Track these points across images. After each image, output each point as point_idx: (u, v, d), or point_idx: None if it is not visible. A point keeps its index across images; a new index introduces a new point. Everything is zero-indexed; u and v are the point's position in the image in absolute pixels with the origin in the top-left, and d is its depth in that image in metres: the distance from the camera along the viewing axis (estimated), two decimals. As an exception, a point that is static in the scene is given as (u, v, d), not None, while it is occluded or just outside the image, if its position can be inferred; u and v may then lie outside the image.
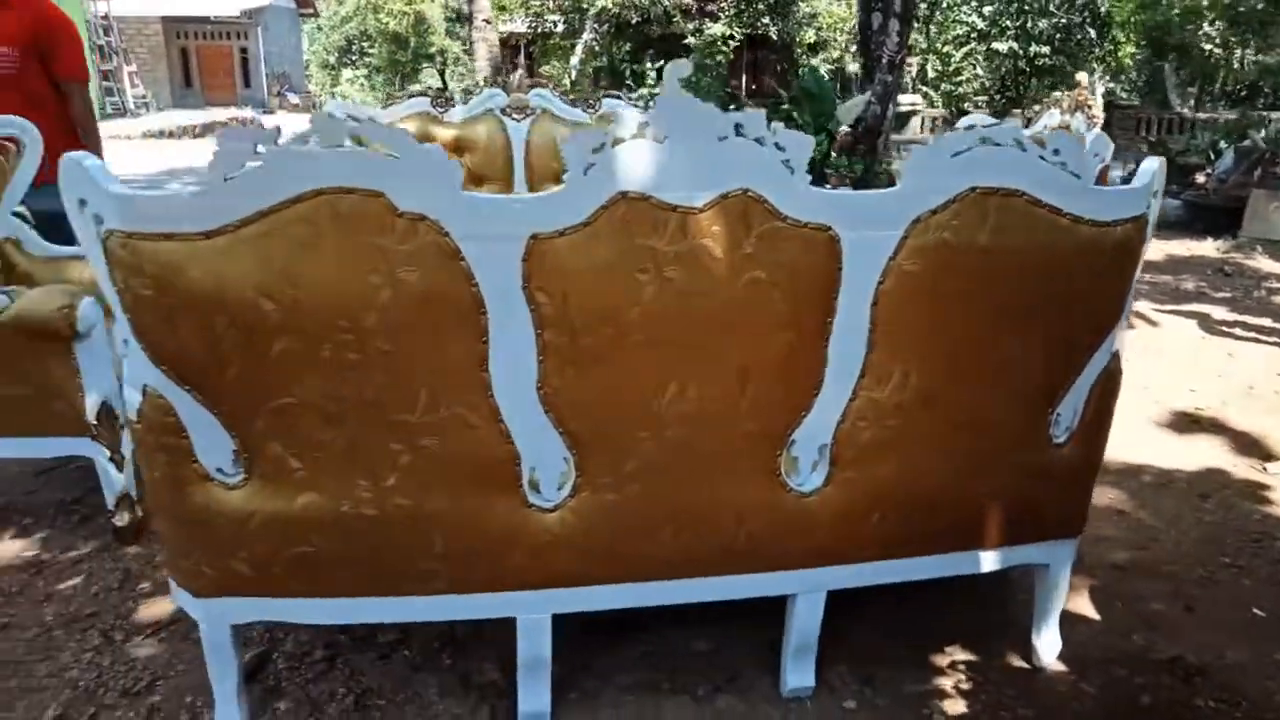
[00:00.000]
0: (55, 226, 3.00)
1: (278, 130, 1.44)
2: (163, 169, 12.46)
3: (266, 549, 1.59)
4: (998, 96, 19.77)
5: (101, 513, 2.57)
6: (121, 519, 2.42)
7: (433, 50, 27.99)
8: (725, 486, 1.69)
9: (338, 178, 1.40)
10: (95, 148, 3.26)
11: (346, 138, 1.43)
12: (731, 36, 16.40)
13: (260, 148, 1.41)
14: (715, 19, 16.47)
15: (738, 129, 1.49)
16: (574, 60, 17.34)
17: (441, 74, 30.32)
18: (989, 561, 1.89)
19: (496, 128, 4.09)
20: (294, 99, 28.94)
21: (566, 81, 17.38)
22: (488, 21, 9.10)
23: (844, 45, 19.06)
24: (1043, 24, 18.27)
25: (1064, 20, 18.08)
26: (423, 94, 4.13)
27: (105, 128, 16.60)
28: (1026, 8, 18.02)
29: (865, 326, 1.62)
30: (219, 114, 21.06)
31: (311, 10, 31.46)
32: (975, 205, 1.58)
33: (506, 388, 1.54)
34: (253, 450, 1.54)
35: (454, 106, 4.12)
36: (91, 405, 2.32)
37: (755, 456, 1.68)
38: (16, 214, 2.89)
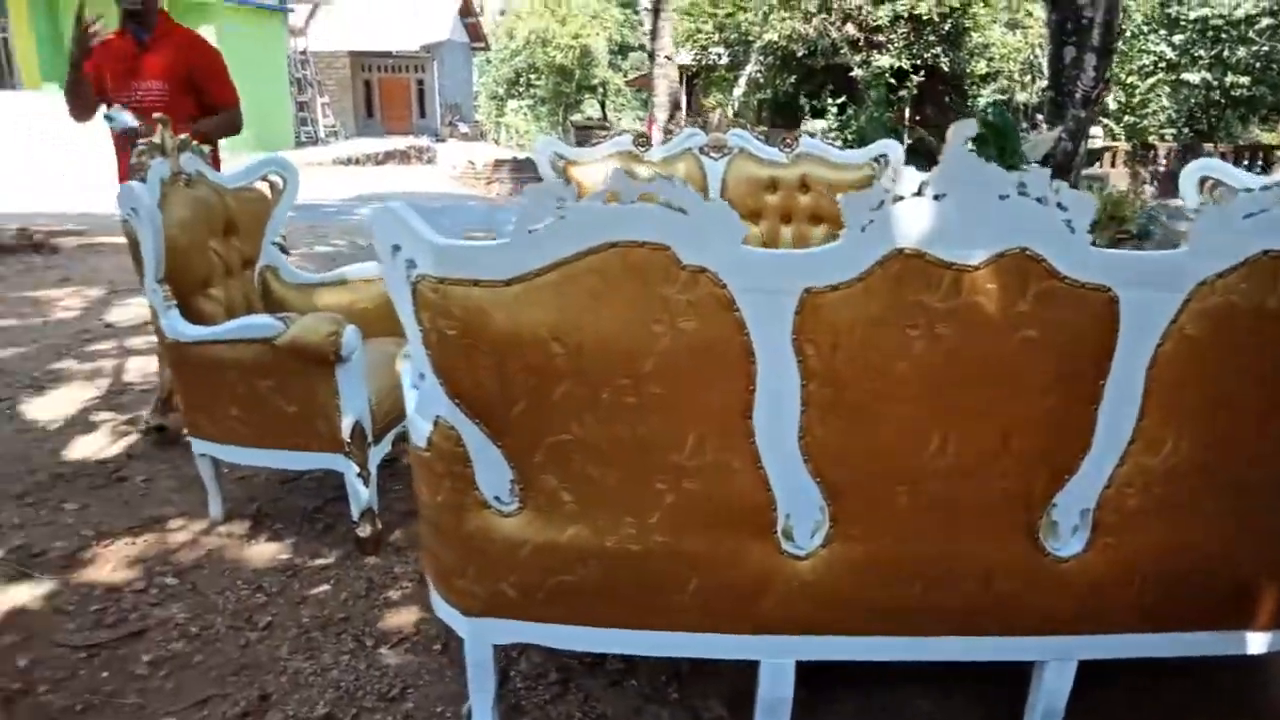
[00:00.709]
0: None
1: (573, 187, 1.54)
2: (353, 194, 13.38)
3: (534, 575, 1.69)
4: (1185, 129, 18.57)
5: (340, 522, 2.79)
6: (364, 530, 2.62)
7: (595, 82, 28.96)
8: (979, 545, 1.67)
9: (630, 232, 1.49)
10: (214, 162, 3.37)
11: (638, 195, 1.51)
12: (901, 68, 16.12)
13: (561, 203, 1.52)
14: (883, 50, 16.25)
15: (1020, 188, 1.48)
16: (736, 92, 17.50)
17: (602, 104, 31.32)
18: (1258, 643, 1.78)
19: (694, 166, 4.19)
20: (463, 128, 30.54)
21: (729, 112, 17.55)
22: (669, 58, 9.33)
23: (1015, 76, 18.40)
24: (1241, 52, 17.07)
25: (1267, 48, 16.83)
26: (624, 132, 4.29)
27: (299, 155, 17.94)
28: (1224, 35, 16.88)
29: (1139, 390, 1.57)
30: (397, 142, 22.43)
31: (483, 44, 33.18)
32: (1266, 269, 1.52)
33: (769, 435, 1.58)
34: (529, 482, 1.64)
35: (653, 145, 4.26)
36: (347, 424, 2.53)
37: (1013, 517, 1.65)
38: (274, 244, 3.19)
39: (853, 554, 1.66)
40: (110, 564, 2.59)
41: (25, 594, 2.43)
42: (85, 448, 3.41)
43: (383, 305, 3.18)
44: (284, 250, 3.22)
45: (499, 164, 15.70)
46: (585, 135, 15.71)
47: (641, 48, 31.53)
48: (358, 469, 2.57)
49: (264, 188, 3.16)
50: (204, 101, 3.43)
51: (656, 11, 9.07)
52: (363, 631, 2.26)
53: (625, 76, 30.68)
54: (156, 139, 2.75)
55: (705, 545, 1.65)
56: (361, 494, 2.59)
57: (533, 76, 28.59)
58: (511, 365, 1.55)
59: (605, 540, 1.65)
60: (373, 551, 2.64)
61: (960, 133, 1.48)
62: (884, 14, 15.98)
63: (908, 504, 1.63)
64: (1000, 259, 1.49)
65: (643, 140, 4.26)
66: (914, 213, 1.48)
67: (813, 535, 1.66)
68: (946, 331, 1.51)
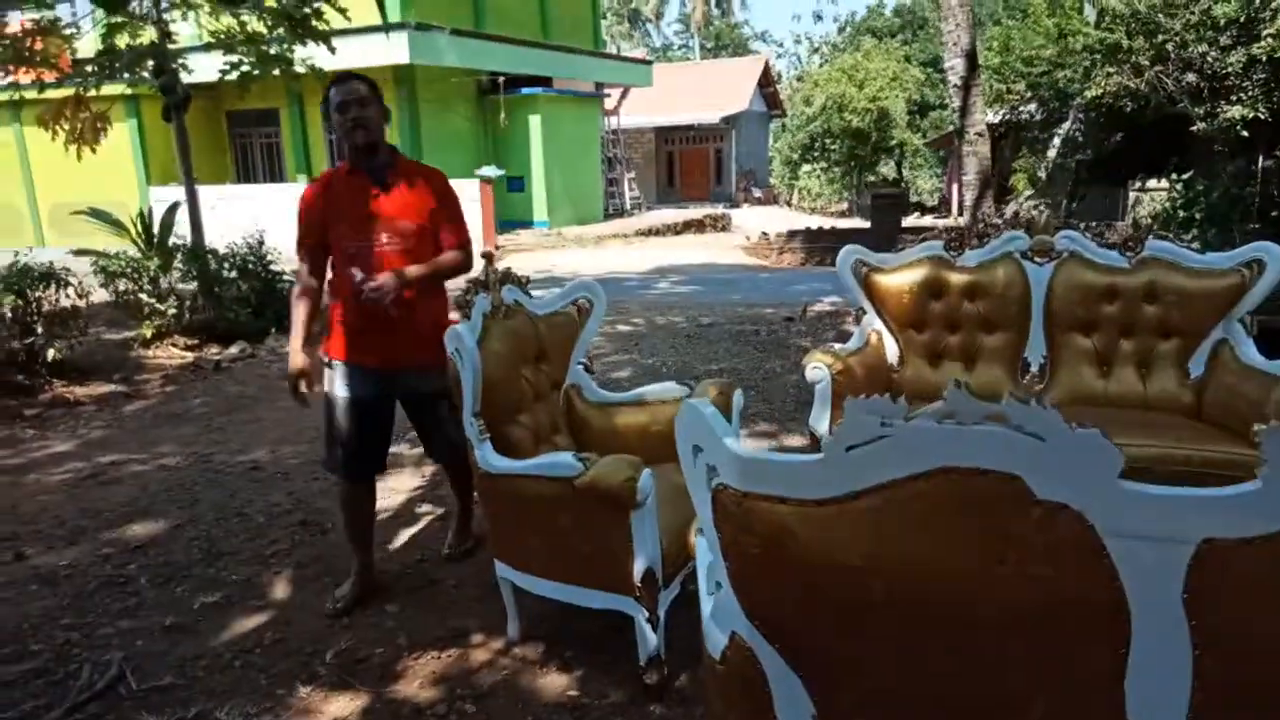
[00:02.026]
0: (419, 407, 3.21)
1: (905, 403, 1.35)
2: (652, 267, 13.96)
3: (836, 825, 1.48)
4: None
5: (622, 661, 2.71)
6: (651, 678, 2.54)
7: (892, 144, 28.27)
8: None
9: (971, 457, 1.26)
10: (443, 309, 3.14)
11: (982, 417, 1.29)
12: (1257, 118, 14.04)
13: (889, 420, 1.33)
14: (1232, 99, 14.25)
15: None
16: (1051, 153, 16.18)
17: (898, 165, 30.52)
18: None
19: (1015, 272, 3.79)
20: (757, 193, 31.12)
21: (1041, 175, 16.27)
22: (980, 135, 8.77)
23: None
24: None
25: None
26: (936, 236, 3.99)
27: (605, 227, 19.04)
28: None
29: None
30: (694, 211, 23.25)
31: (780, 111, 33.76)
32: None
33: (1146, 712, 1.27)
34: (835, 721, 1.45)
35: (967, 250, 3.91)
36: (638, 569, 2.48)
37: None
38: (580, 364, 3.28)
39: None
40: (418, 680, 2.72)
41: (345, 705, 2.60)
42: (408, 544, 3.69)
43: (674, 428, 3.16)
44: (588, 370, 3.30)
45: (792, 235, 15.68)
46: (883, 200, 15.27)
47: (942, 106, 30.43)
48: (646, 614, 2.50)
49: (572, 311, 3.26)
50: (440, 240, 3.07)
51: (967, 88, 8.56)
52: (646, 801, 2.15)
53: (924, 137, 29.69)
54: (480, 274, 2.93)
55: (1052, 830, 1.35)
56: (650, 640, 2.51)
57: (828, 141, 28.51)
58: (819, 595, 1.38)
59: (924, 804, 1.41)
60: (658, 699, 2.54)
61: None
62: (1236, 60, 14.05)
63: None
64: None
65: (957, 242, 3.93)
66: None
67: (1202, 840, 1.31)
68: None
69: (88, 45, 8.32)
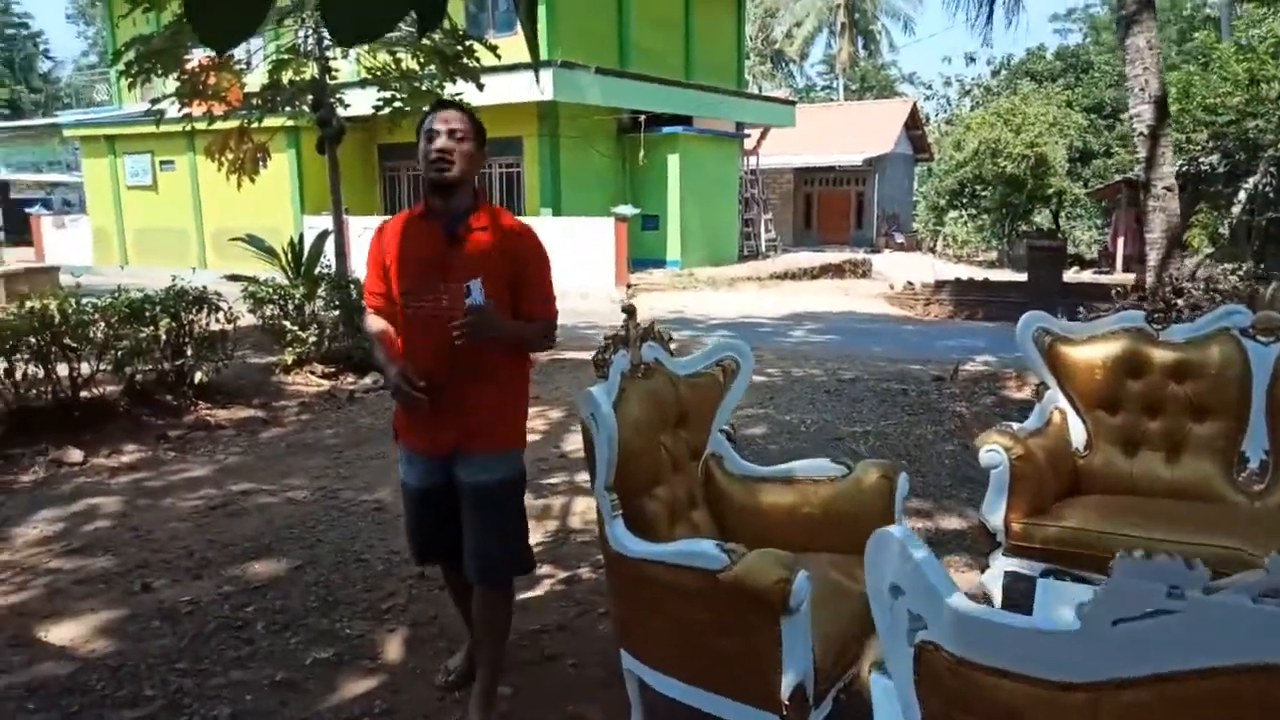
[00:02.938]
0: (477, 501, 2.55)
1: (1204, 570, 0.98)
2: (787, 312, 13.53)
3: None
4: None
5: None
6: (795, 815, 2.17)
7: (1049, 192, 26.83)
8: None
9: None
10: (523, 386, 2.69)
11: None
12: None
13: (1181, 591, 0.96)
14: None
15: None
16: (1235, 209, 14.82)
17: (1055, 215, 28.90)
18: None
19: (1233, 351, 3.25)
20: (899, 238, 30.13)
21: (1224, 231, 14.92)
22: (1169, 189, 7.97)
23: None
24: None
25: None
26: (1136, 305, 3.49)
27: (739, 269, 18.74)
28: None
29: None
30: (832, 256, 22.64)
31: (927, 154, 32.70)
32: None
33: None
34: None
35: (1173, 323, 3.40)
36: (786, 683, 2.13)
37: None
38: (724, 431, 2.97)
39: None
40: (529, 779, 2.44)
41: (449, 802, 2.35)
42: (525, 611, 3.44)
43: (831, 513, 2.80)
44: (731, 439, 2.98)
45: (940, 285, 14.90)
46: (1041, 253, 14.30)
47: (1107, 153, 28.68)
48: (795, 739, 2.14)
49: (716, 372, 2.96)
50: (518, 308, 2.54)
51: (1155, 137, 7.79)
52: None
53: (1085, 186, 28.06)
54: (620, 329, 2.68)
55: None
56: (797, 770, 2.15)
57: (978, 187, 27.31)
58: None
59: None
60: (803, 841, 2.17)
61: None
62: None
63: None
64: None
65: (1161, 314, 3.42)
66: None
67: None
68: None
69: (256, 80, 8.71)
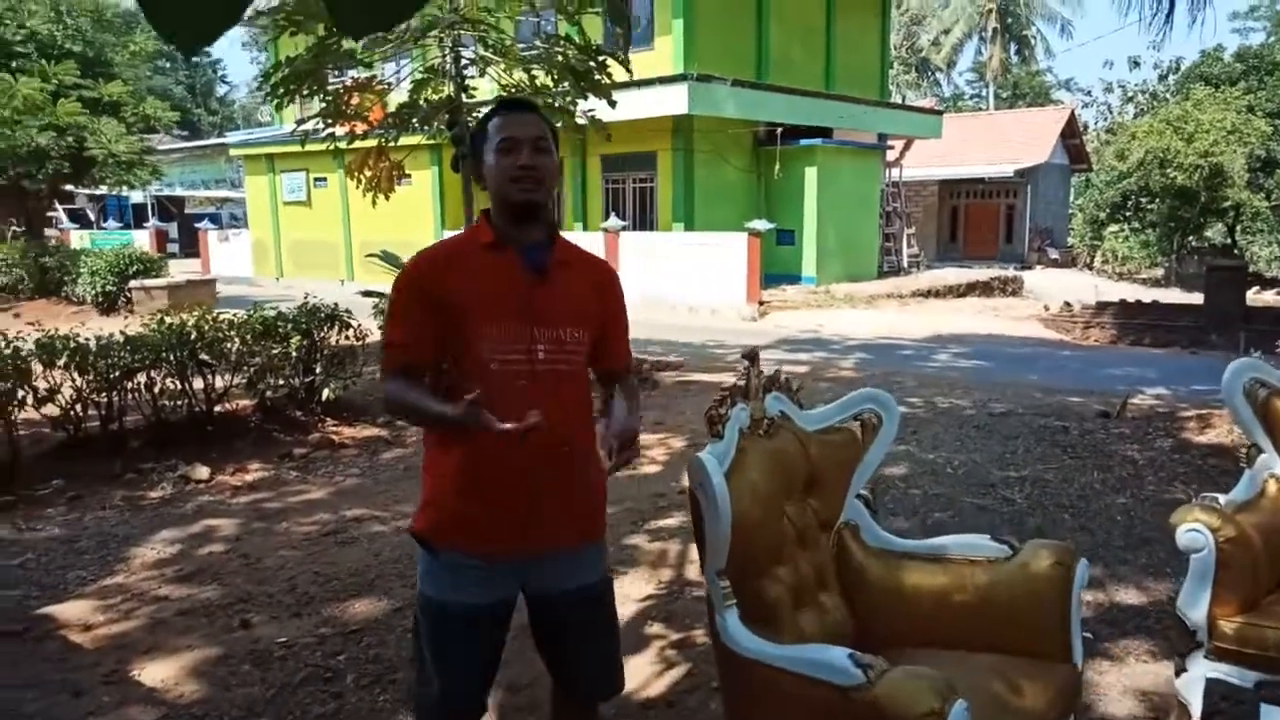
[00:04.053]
0: (587, 610, 2.07)
1: None
2: (930, 333, 12.74)
3: None
4: None
5: None
6: None
7: (1226, 205, 24.55)
8: None
9: None
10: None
11: None
12: None
13: None
14: None
15: None
16: None
17: (1230, 230, 26.43)
18: None
19: None
20: (1053, 253, 28.30)
21: None
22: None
23: None
24: None
25: None
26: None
27: (878, 285, 17.90)
28: None
29: None
30: (980, 272, 21.40)
31: (1085, 165, 30.64)
32: None
33: None
34: None
35: None
36: (934, 840, 1.70)
37: None
38: (861, 496, 2.55)
39: None
40: None
41: None
42: (632, 672, 3.10)
43: (991, 604, 2.33)
44: (870, 506, 2.56)
45: (1102, 308, 13.70)
46: (1221, 273, 12.93)
47: (1294, 162, 26.00)
48: None
49: (854, 427, 2.54)
50: (602, 352, 2.09)
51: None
52: None
53: (1268, 198, 25.55)
54: (741, 379, 2.31)
55: None
56: None
57: (1144, 199, 25.29)
58: None
59: None
60: None
61: None
62: None
63: None
64: None
65: None
66: None
67: None
68: None
69: (398, 98, 8.81)
